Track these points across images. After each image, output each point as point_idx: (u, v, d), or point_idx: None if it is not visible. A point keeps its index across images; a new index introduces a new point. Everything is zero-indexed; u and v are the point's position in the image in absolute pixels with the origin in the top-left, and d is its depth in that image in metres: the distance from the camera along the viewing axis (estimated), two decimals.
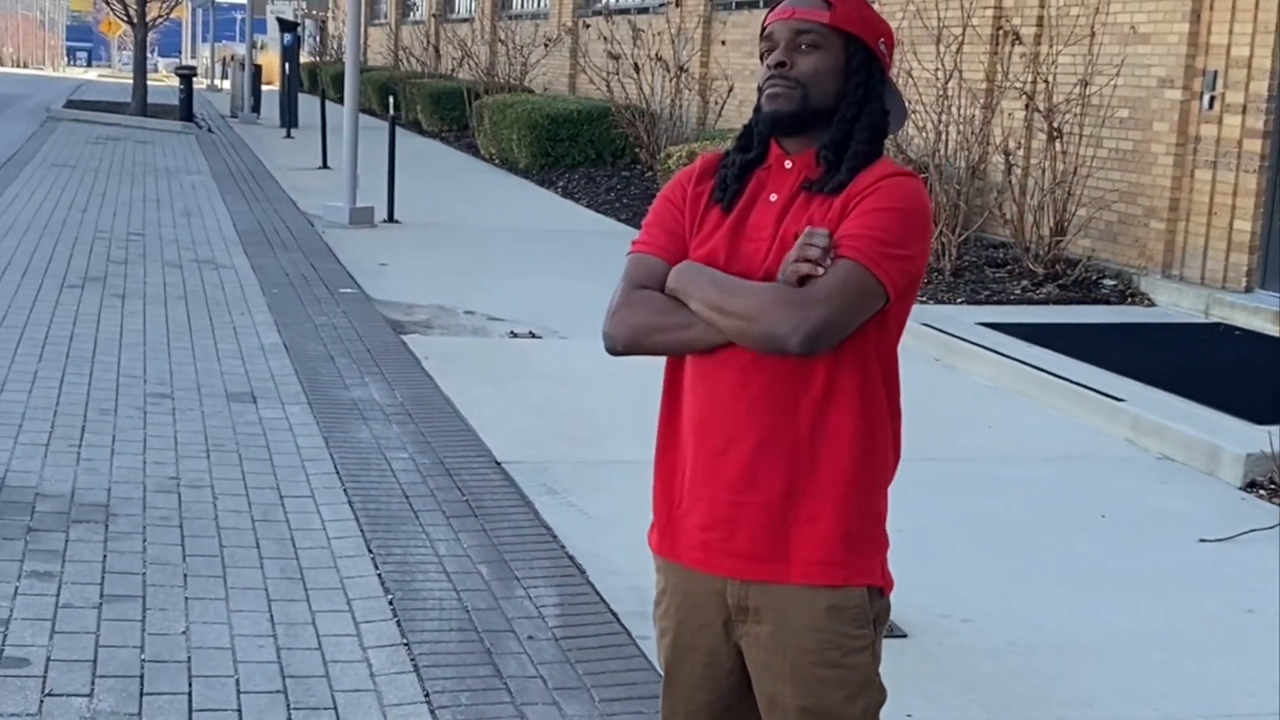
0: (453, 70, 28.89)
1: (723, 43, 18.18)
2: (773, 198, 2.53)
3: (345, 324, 9.40)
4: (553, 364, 8.58)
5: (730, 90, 16.89)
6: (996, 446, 7.33)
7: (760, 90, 2.56)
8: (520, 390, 7.91)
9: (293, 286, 10.69)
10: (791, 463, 2.49)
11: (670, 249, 2.58)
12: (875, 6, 14.37)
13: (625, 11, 21.58)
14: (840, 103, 2.52)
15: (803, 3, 2.52)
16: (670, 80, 17.62)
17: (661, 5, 20.47)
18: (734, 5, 18.70)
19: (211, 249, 12.30)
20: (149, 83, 30.50)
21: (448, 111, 25.42)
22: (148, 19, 29.59)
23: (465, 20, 31.68)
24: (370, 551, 5.25)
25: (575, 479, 6.27)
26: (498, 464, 6.45)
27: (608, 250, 13.23)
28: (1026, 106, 11.38)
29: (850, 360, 2.48)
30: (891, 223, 2.41)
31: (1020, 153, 11.74)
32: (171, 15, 33.97)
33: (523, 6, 29.35)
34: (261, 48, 41.02)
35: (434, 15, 34.29)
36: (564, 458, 6.63)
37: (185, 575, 4.91)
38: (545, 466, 6.42)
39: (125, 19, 30.32)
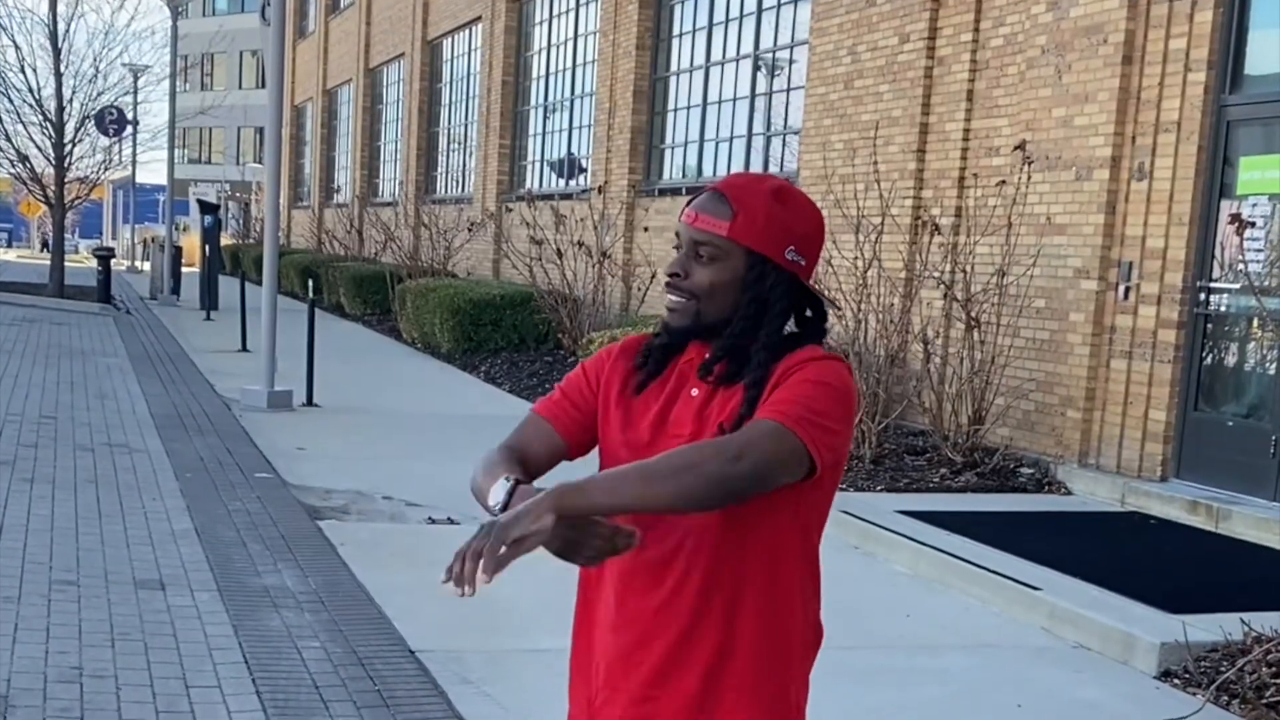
0: (376, 254, 29.06)
1: (645, 229, 18.43)
2: (694, 392, 2.48)
3: (259, 509, 9.26)
4: None
5: (653, 276, 17.08)
6: (915, 635, 7.29)
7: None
8: (436, 577, 7.77)
9: (207, 471, 10.55)
10: (706, 658, 2.44)
11: (563, 418, 2.61)
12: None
13: (549, 197, 21.87)
14: (734, 315, 2.44)
15: (707, 208, 2.44)
16: (593, 266, 17.79)
17: (584, 191, 20.77)
18: (656, 192, 19.00)
19: (125, 432, 12.15)
20: (67, 264, 30.42)
21: (370, 295, 25.51)
22: (66, 200, 29.60)
23: (389, 204, 31.98)
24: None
25: (490, 668, 6.16)
26: (411, 653, 6.33)
27: None
28: (945, 296, 11.56)
29: (764, 552, 2.44)
30: (821, 395, 2.35)
31: (939, 341, 11.90)
32: (91, 196, 34.00)
33: (446, 190, 29.70)
34: (183, 229, 41.17)
35: (358, 198, 34.59)
36: (479, 647, 6.52)
37: None
38: (460, 656, 6.31)
39: (43, 200, 30.34)
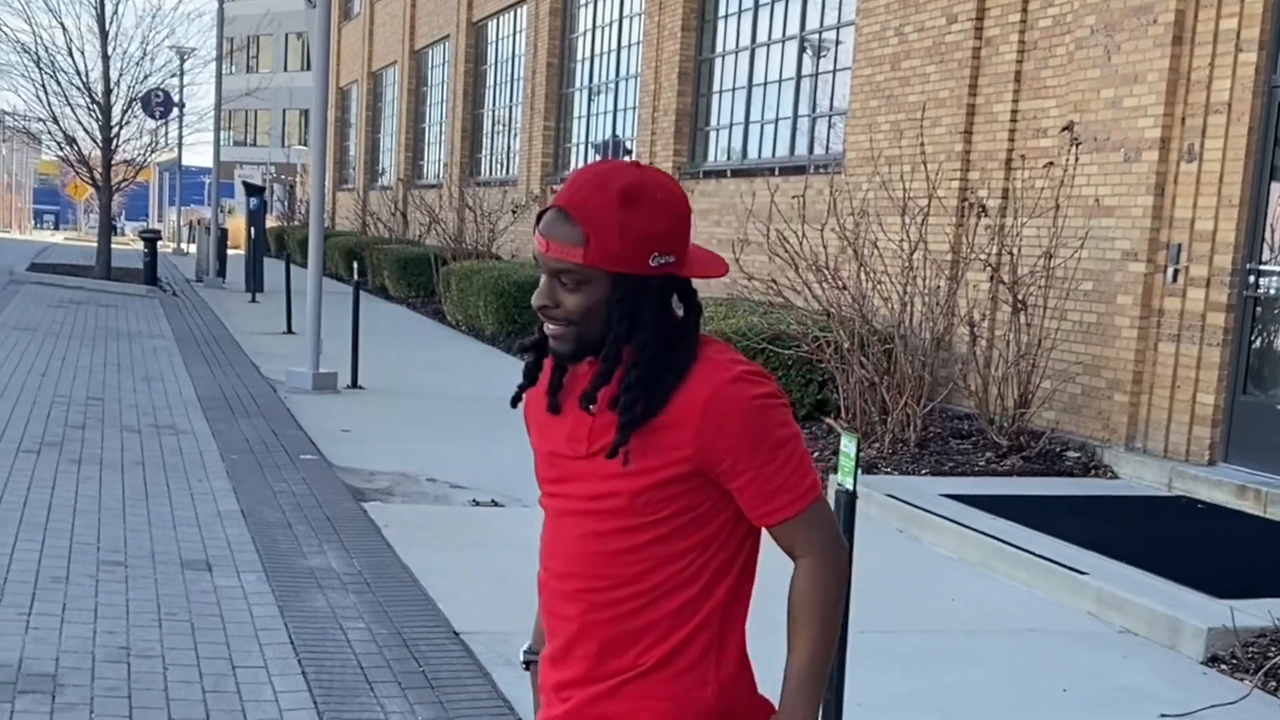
0: (420, 236, 29.12)
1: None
2: (592, 408, 2.35)
3: (305, 491, 9.30)
4: (514, 533, 8.47)
5: None
6: (959, 618, 7.26)
7: None
8: (481, 559, 7.82)
9: (252, 453, 10.60)
10: (612, 657, 2.41)
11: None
12: (812, 176, 14.33)
13: None
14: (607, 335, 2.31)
15: (556, 234, 2.26)
16: None
17: None
18: (702, 174, 18.96)
19: (171, 414, 12.22)
20: (114, 246, 30.61)
21: (414, 277, 25.56)
22: (113, 183, 29.77)
23: (433, 186, 32.03)
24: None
25: None
26: (456, 634, 6.34)
27: None
28: (991, 279, 11.49)
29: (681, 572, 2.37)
30: (785, 446, 2.31)
31: (985, 324, 11.82)
32: (138, 179, 34.19)
33: (491, 173, 29.72)
34: (229, 212, 41.37)
35: (401, 180, 34.66)
36: (524, 629, 6.44)
37: None
38: (505, 637, 6.30)
39: (90, 182, 30.50)
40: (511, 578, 7.40)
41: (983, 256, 11.50)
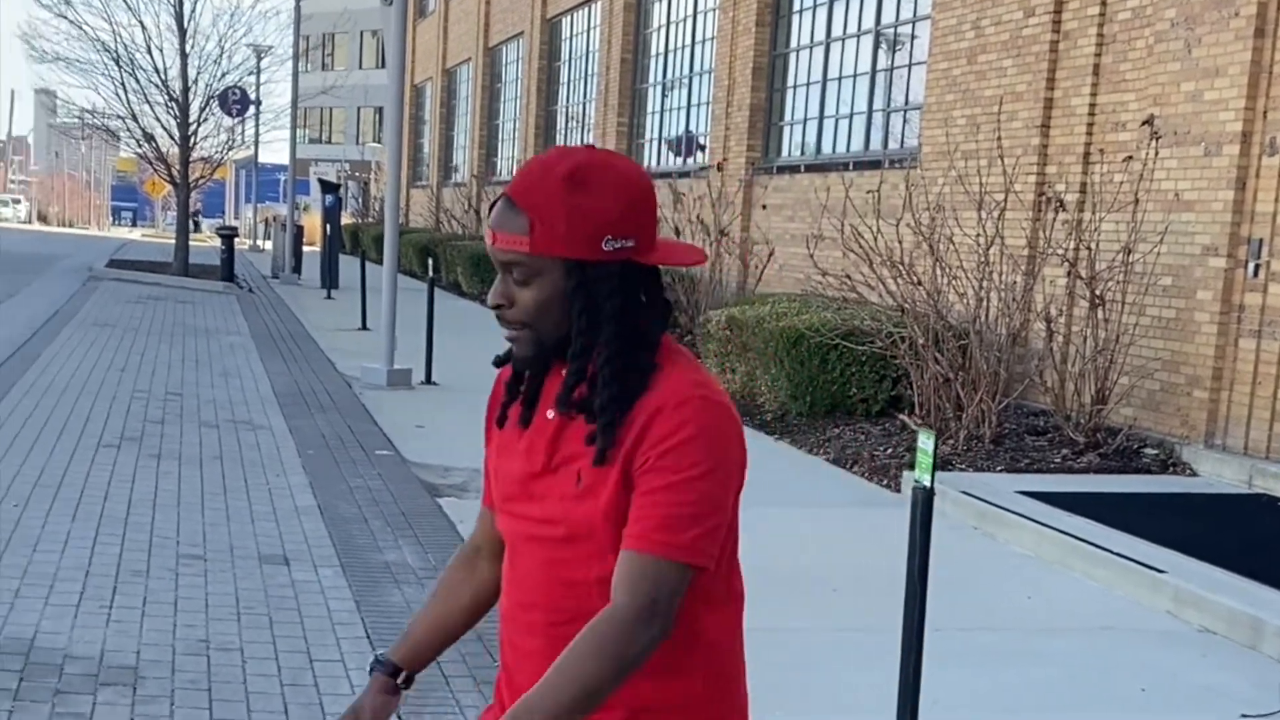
0: None
1: (764, 206, 18.34)
2: (549, 414, 2.21)
3: (380, 486, 9.37)
4: None
5: (770, 254, 17.00)
6: (1036, 617, 7.20)
7: None
8: None
9: (329, 448, 10.68)
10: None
11: (490, 493, 2.38)
12: (880, 174, 14.26)
13: (666, 175, 21.84)
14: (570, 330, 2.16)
15: (504, 223, 2.12)
16: (710, 244, 17.75)
17: (702, 169, 20.71)
18: (775, 169, 18.91)
19: (249, 409, 12.34)
20: (192, 243, 30.93)
21: (487, 274, 25.62)
22: (191, 180, 30.11)
23: (506, 183, 32.08)
24: (398, 715, 5.15)
25: None
26: None
27: None
28: (1069, 273, 11.39)
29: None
30: (701, 483, 2.07)
31: (1062, 320, 11.71)
32: (215, 176, 34.55)
33: None
34: (304, 209, 41.71)
35: (475, 177, 34.81)
36: None
37: None
38: None
39: (168, 179, 30.85)
40: None
41: (1060, 251, 11.40)
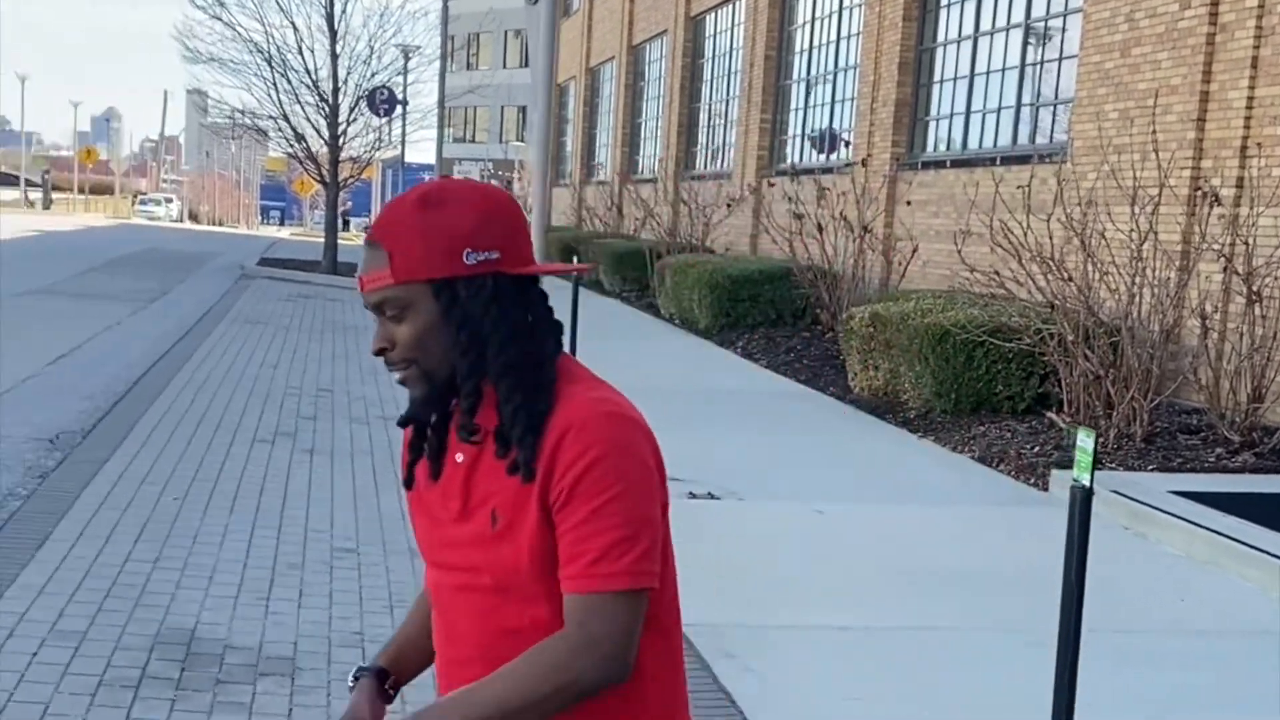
0: (635, 230, 29.32)
1: (908, 203, 18.19)
2: (459, 458, 2.11)
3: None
4: (731, 526, 8.51)
5: (914, 251, 16.85)
6: (1189, 619, 7.06)
7: None
8: (698, 552, 7.82)
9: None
10: None
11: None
12: (1035, 168, 14.04)
13: (809, 171, 21.76)
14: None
15: (367, 265, 2.06)
16: (854, 240, 17.64)
17: (846, 165, 20.61)
18: (920, 165, 18.75)
19: (398, 406, 12.50)
20: (339, 241, 31.42)
21: (629, 271, 25.75)
22: (339, 179, 30.59)
23: (648, 180, 32.22)
24: None
25: (753, 643, 6.17)
26: None
27: (787, 412, 13.20)
28: (1224, 269, 11.15)
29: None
30: (625, 500, 1.98)
31: (1217, 317, 11.48)
32: (362, 176, 35.10)
33: (705, 166, 29.80)
34: None
35: (618, 175, 34.94)
36: (741, 621, 6.54)
37: None
38: (722, 629, 6.33)
39: (318, 179, 31.37)
40: (729, 571, 7.43)
41: (1215, 247, 11.16)
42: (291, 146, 30.93)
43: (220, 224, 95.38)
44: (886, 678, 5.89)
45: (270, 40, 29.89)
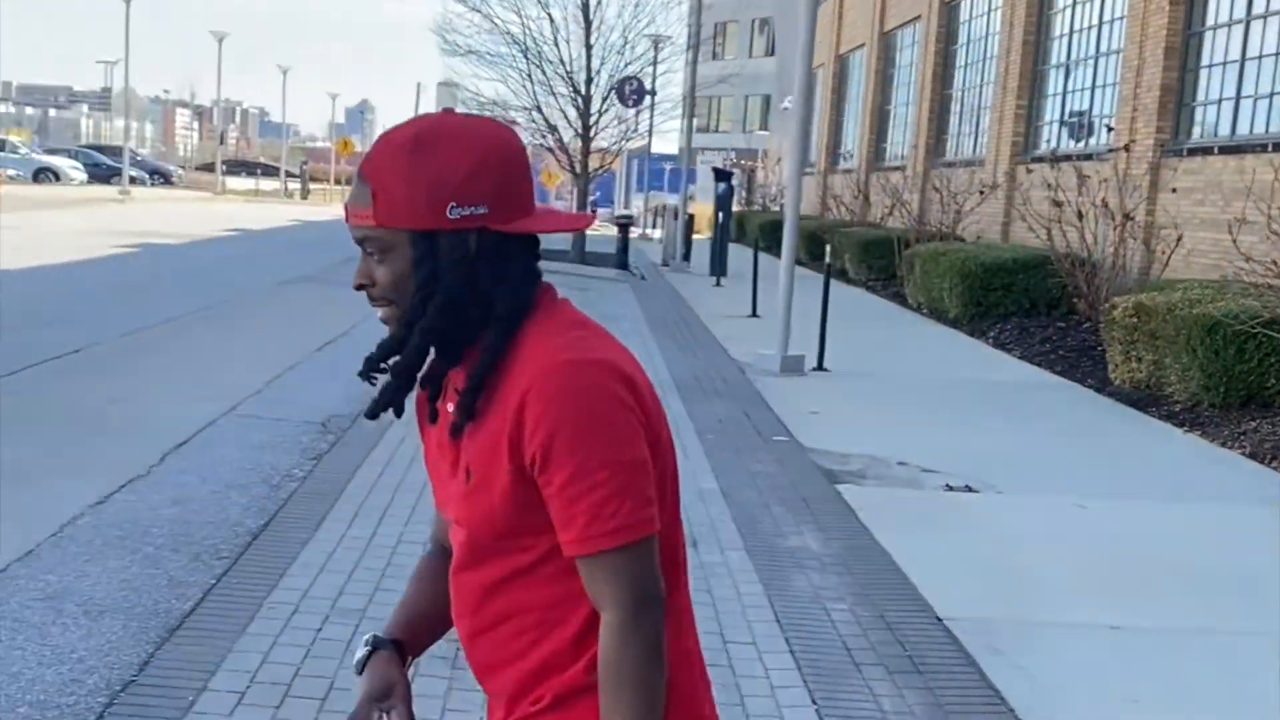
0: (882, 218, 29.00)
1: (1173, 190, 17.59)
2: (450, 407, 2.09)
3: (779, 471, 9.38)
4: (991, 520, 8.33)
5: (1179, 240, 16.29)
6: None
7: None
8: (958, 544, 7.69)
9: (727, 433, 10.77)
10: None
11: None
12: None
13: (1067, 157, 21.22)
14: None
15: (354, 198, 2.02)
16: (1114, 229, 17.13)
17: (1107, 151, 20.03)
18: (1185, 151, 18.11)
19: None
20: (588, 232, 31.77)
21: (875, 260, 25.47)
22: (589, 170, 30.92)
23: (896, 168, 31.84)
24: (815, 703, 5.14)
25: (1021, 640, 6.02)
26: (939, 620, 6.25)
27: (1043, 404, 12.90)
28: None
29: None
30: (596, 466, 1.91)
31: None
32: (610, 166, 35.47)
33: (957, 153, 29.30)
34: (690, 197, 42.28)
35: (864, 162, 34.62)
36: (1008, 616, 6.39)
37: None
38: (989, 625, 6.19)
39: (569, 169, 31.76)
40: (990, 565, 7.28)
41: None
42: (543, 137, 31.37)
43: None
44: (1166, 681, 5.69)
45: (527, 32, 30.37)
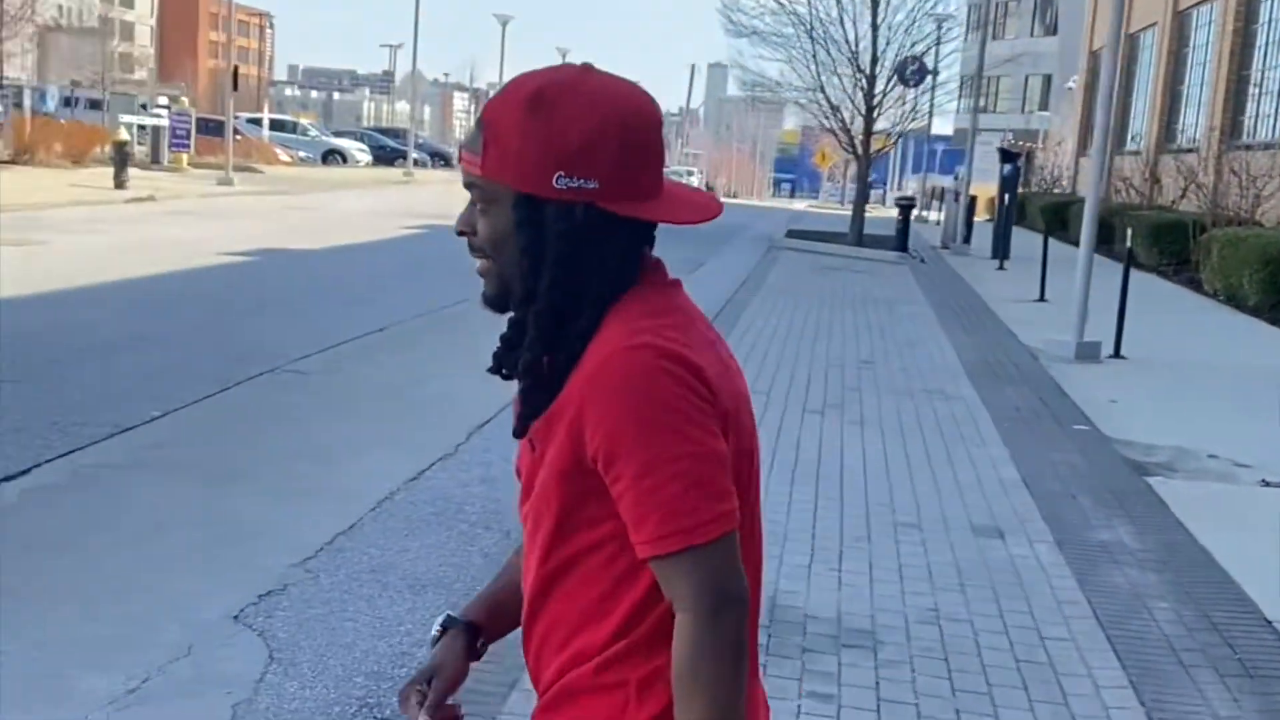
0: (1173, 202, 28.06)
1: None
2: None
3: (1081, 461, 9.17)
4: None
5: None
6: None
7: None
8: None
9: (1023, 420, 10.56)
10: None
11: None
12: None
13: None
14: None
15: (469, 142, 1.92)
16: None
17: None
18: None
19: (939, 379, 12.40)
20: (865, 214, 31.50)
21: (1166, 244, 24.60)
22: (870, 151, 30.71)
23: (1188, 150, 30.75)
24: (1144, 705, 5.00)
25: None
26: (1268, 622, 6.03)
27: None
28: None
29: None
30: (665, 459, 1.78)
31: None
32: (889, 147, 35.13)
33: (1255, 136, 28.14)
34: (963, 180, 41.61)
35: (1154, 144, 33.54)
36: None
37: (957, 711, 4.86)
38: None
39: (850, 150, 31.55)
40: None
41: None
42: (826, 119, 31.25)
43: (735, 196, 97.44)
44: None
45: (813, 12, 30.30)
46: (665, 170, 1.93)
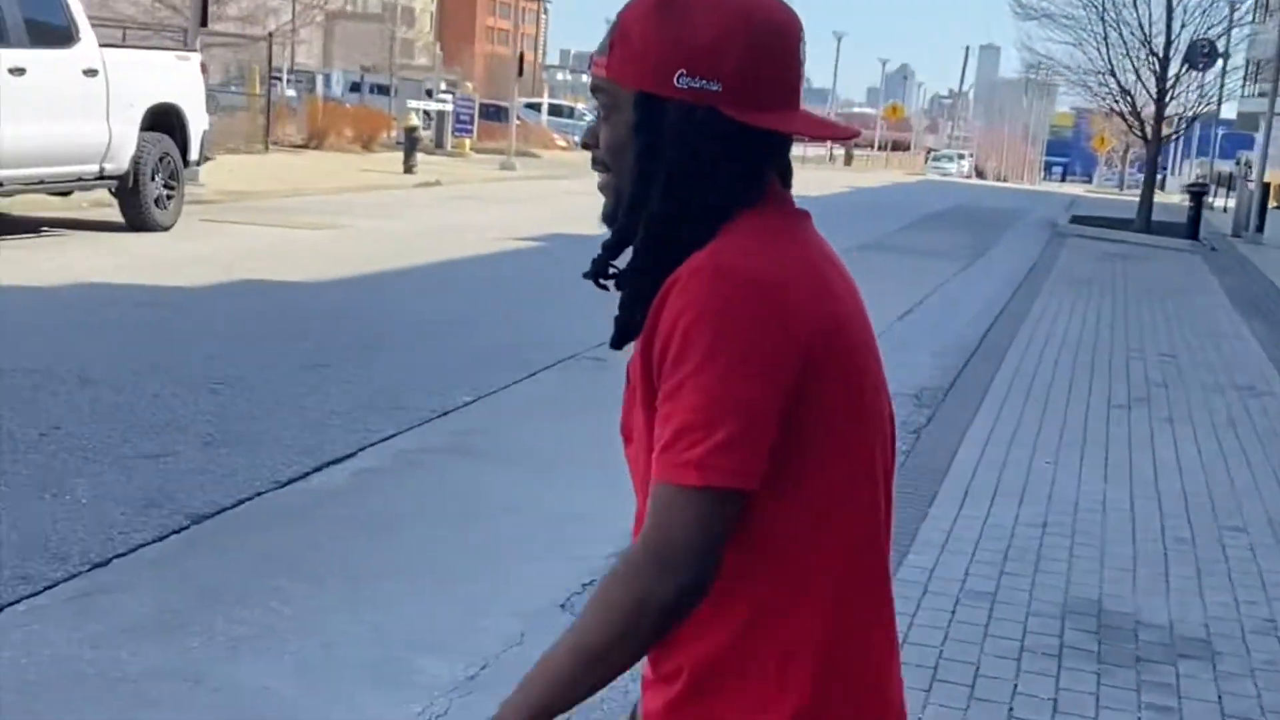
0: None
1: None
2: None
3: None
4: None
5: None
6: None
7: None
8: None
9: None
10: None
11: None
12: None
13: None
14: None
15: (601, 46, 1.81)
16: None
17: None
18: None
19: (1247, 374, 11.95)
20: (1153, 199, 30.60)
21: None
22: (1161, 135, 29.91)
23: None
24: None
25: None
26: None
27: None
28: None
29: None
30: (695, 392, 1.62)
31: None
32: (1180, 131, 34.05)
33: None
34: (1245, 163, 40.02)
35: None
36: None
37: None
38: None
39: (1140, 135, 30.70)
40: None
41: None
42: (1116, 102, 30.51)
43: (1004, 180, 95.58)
44: None
45: None
46: (802, 85, 1.81)
